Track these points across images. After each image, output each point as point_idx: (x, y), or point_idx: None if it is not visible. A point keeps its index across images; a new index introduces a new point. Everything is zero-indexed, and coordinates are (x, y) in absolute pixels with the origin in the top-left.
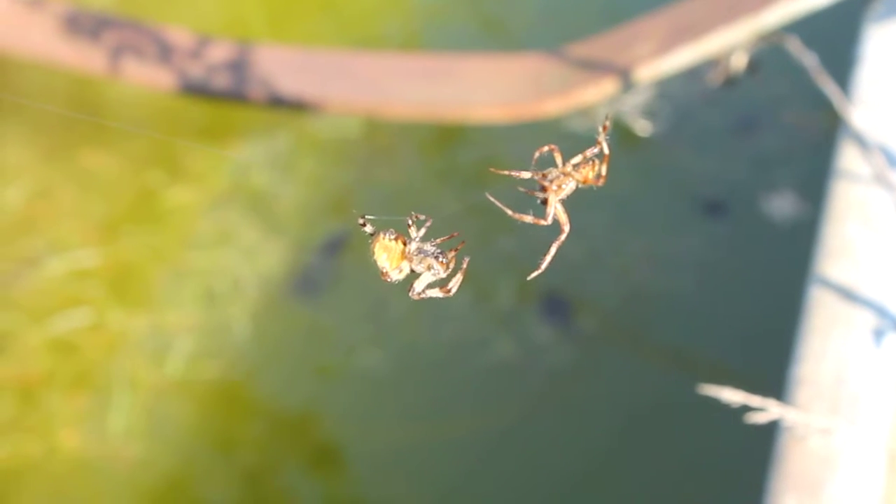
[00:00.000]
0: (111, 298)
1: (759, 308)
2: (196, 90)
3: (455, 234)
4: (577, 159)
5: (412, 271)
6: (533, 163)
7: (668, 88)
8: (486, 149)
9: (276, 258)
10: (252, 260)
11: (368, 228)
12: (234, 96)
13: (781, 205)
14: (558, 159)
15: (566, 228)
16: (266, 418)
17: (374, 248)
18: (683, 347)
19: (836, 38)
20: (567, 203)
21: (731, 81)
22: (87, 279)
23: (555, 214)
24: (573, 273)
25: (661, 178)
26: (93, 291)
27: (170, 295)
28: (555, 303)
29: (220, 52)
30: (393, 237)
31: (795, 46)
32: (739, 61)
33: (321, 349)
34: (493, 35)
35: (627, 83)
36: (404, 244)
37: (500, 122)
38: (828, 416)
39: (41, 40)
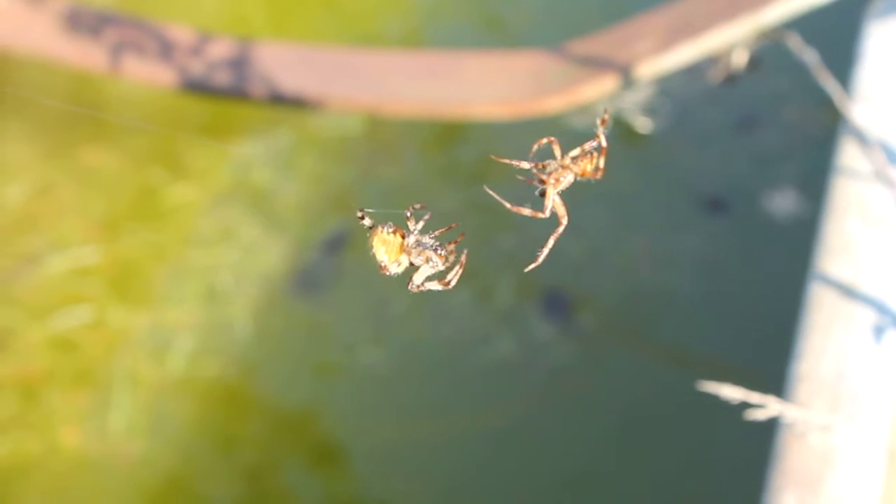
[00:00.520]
0: (112, 296)
1: (759, 305)
2: (197, 87)
3: (454, 224)
4: (575, 152)
5: (411, 264)
6: (531, 154)
7: (669, 85)
8: (487, 146)
9: (277, 256)
10: (253, 257)
11: (367, 222)
12: (236, 93)
13: (782, 202)
14: (557, 152)
15: (564, 221)
16: (267, 416)
17: (372, 241)
18: (684, 344)
19: (836, 34)
20: (567, 200)
21: (731, 78)
22: (88, 276)
23: (553, 207)
24: (574, 270)
25: (661, 176)
26: (93, 289)
27: (171, 292)
28: (555, 300)
29: (221, 50)
30: (391, 230)
31: (796, 43)
32: (740, 58)
33: (322, 347)
34: (495, 32)
35: (628, 80)
36: (403, 237)
37: (501, 119)
38: (828, 413)
39: (42, 37)
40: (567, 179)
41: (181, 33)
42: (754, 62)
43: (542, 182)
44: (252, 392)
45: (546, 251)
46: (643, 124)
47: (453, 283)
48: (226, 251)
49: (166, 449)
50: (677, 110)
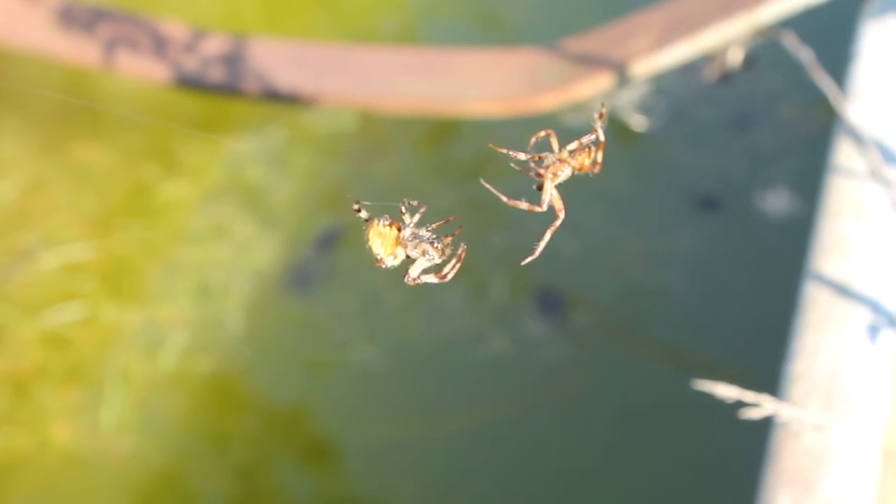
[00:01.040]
0: (104, 292)
1: (754, 304)
2: (191, 83)
3: (451, 218)
4: (573, 146)
5: (407, 257)
6: (529, 147)
7: (664, 83)
8: (482, 143)
9: (270, 253)
10: (246, 254)
11: (363, 214)
12: (229, 90)
13: (776, 200)
14: (555, 145)
15: (561, 215)
16: (259, 413)
17: (368, 234)
18: (678, 343)
19: (832, 33)
20: (561, 195)
21: (726, 77)
22: (81, 273)
23: (550, 201)
24: (568, 269)
25: (656, 174)
26: (86, 285)
27: (163, 289)
28: (549, 299)
29: (214, 46)
30: (387, 223)
31: (791, 42)
32: (735, 56)
33: (315, 344)
34: (490, 29)
35: (623, 78)
36: (399, 230)
37: (496, 116)
38: (822, 413)
39: (36, 33)
40: (565, 173)
41: (175, 29)
42: (750, 61)
43: (540, 175)
44: (244, 389)
45: (543, 244)
46: (638, 122)
47: (450, 276)
48: (218, 248)
49: (158, 445)
50: (672, 108)
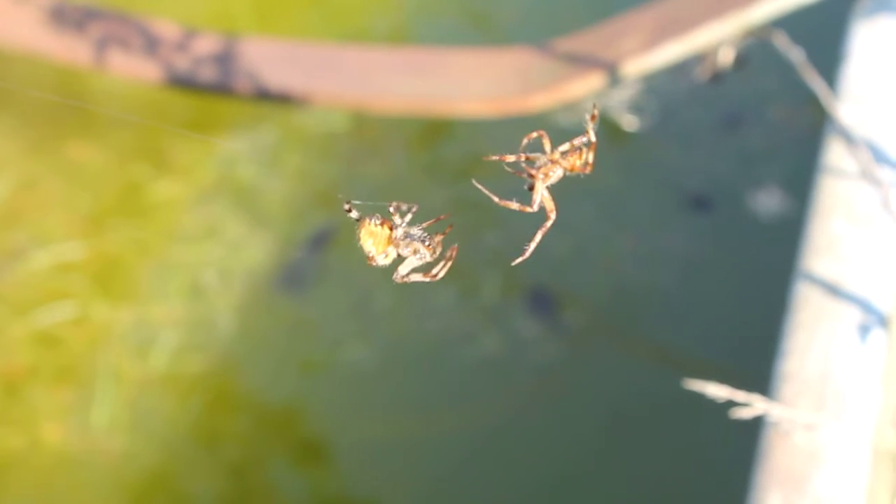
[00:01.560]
0: (96, 292)
1: (745, 303)
2: (182, 83)
3: (442, 216)
4: (564, 147)
5: (399, 256)
6: (521, 148)
7: (655, 83)
8: (473, 143)
9: (262, 252)
10: (237, 254)
11: (354, 214)
12: (221, 89)
13: (768, 200)
14: (546, 146)
15: (552, 216)
16: (251, 412)
17: (360, 233)
18: (669, 343)
19: (823, 33)
20: (553, 196)
21: (717, 77)
22: (72, 272)
23: (541, 201)
24: (559, 268)
25: (647, 174)
26: (77, 284)
27: (155, 288)
28: (541, 298)
29: (205, 45)
30: (379, 222)
31: (782, 42)
32: (726, 56)
33: (306, 343)
34: (481, 29)
35: (614, 78)
36: (391, 229)
37: (487, 116)
38: (813, 412)
39: (27, 32)
40: (556, 174)
41: (166, 28)
42: (741, 60)
43: (531, 176)
44: (236, 388)
45: (534, 245)
46: (629, 122)
47: (440, 275)
48: (210, 247)
49: (149, 445)
50: (663, 108)
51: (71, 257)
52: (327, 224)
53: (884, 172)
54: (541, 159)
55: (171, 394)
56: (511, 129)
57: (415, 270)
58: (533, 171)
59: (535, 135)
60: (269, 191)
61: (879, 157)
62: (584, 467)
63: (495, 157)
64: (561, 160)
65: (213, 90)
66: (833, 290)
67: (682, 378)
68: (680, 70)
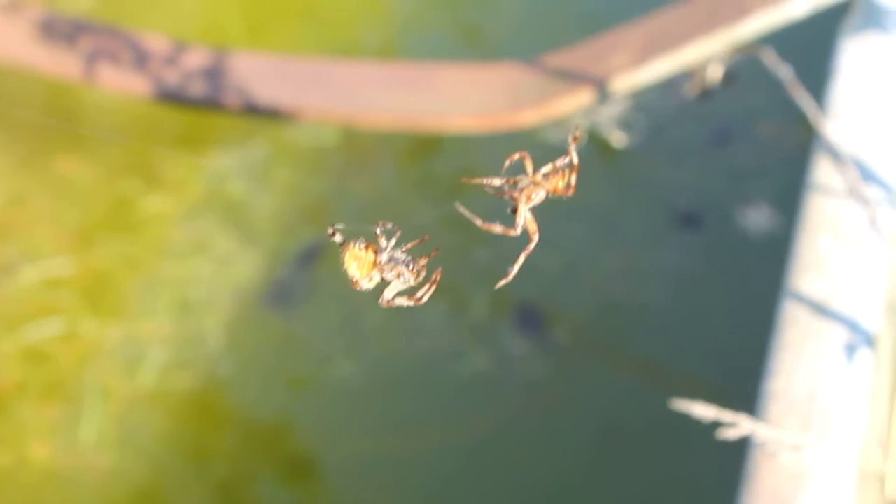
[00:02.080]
0: (85, 308)
1: (733, 321)
2: (172, 97)
3: (426, 237)
4: (547, 169)
5: (383, 279)
6: (503, 171)
7: (644, 100)
8: (463, 159)
9: (251, 268)
10: (227, 270)
11: (338, 238)
12: (210, 103)
13: (757, 218)
14: (529, 168)
15: (536, 238)
16: (239, 429)
17: (344, 257)
18: (657, 360)
19: (811, 50)
20: (542, 214)
21: (706, 93)
22: (61, 288)
23: (524, 224)
24: (548, 285)
25: (636, 190)
26: (66, 300)
27: (144, 304)
28: (529, 315)
29: (195, 59)
30: (363, 246)
31: (771, 59)
32: (715, 73)
33: (295, 360)
34: (472, 43)
35: (603, 94)
36: (375, 253)
37: (477, 132)
38: (799, 432)
39: (16, 45)
40: (539, 196)
41: (156, 42)
42: (729, 77)
43: (514, 199)
44: (225, 405)
45: (517, 267)
46: (618, 138)
47: (424, 299)
48: (199, 263)
49: (137, 461)
50: (652, 125)
51: (59, 273)
52: (317, 240)
53: (871, 190)
54: (523, 181)
55: (160, 410)
56: (501, 145)
57: (399, 294)
58: (516, 194)
59: (517, 157)
60: (259, 206)
61: (867, 174)
62: (572, 484)
63: (478, 180)
64: (543, 182)
65: (203, 104)
66: (820, 309)
67: (670, 396)
68: (669, 86)
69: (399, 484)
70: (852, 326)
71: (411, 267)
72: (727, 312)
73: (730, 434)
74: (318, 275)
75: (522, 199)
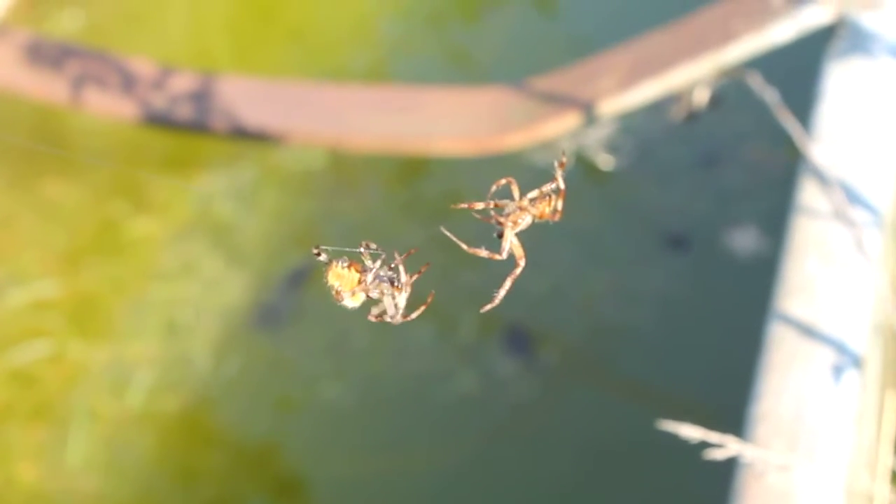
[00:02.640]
0: (72, 330)
1: (722, 343)
2: (159, 121)
3: (412, 250)
4: (533, 194)
5: (369, 298)
6: (489, 196)
7: (631, 122)
8: (450, 182)
9: (239, 290)
10: (214, 292)
11: (323, 257)
12: (197, 127)
13: (744, 240)
14: (515, 193)
15: (522, 262)
16: (227, 450)
17: (327, 276)
18: (645, 382)
19: (797, 74)
20: (530, 236)
21: (693, 116)
22: (48, 310)
23: (510, 249)
24: (536, 307)
25: (624, 212)
26: (53, 322)
27: (131, 326)
28: (518, 336)
29: (182, 83)
30: (346, 265)
31: (757, 82)
32: (701, 96)
33: (283, 381)
34: (460, 67)
35: (590, 117)
36: (359, 272)
37: (464, 155)
38: (786, 453)
39: (2, 69)
40: (525, 221)
41: (143, 66)
42: (716, 100)
43: (500, 224)
44: (212, 426)
45: (503, 292)
46: (605, 161)
47: (413, 316)
48: (187, 285)
49: (124, 483)
50: (639, 147)
51: (46, 295)
52: (304, 262)
53: (857, 213)
54: (509, 206)
55: (147, 432)
56: (488, 168)
57: (386, 311)
58: (502, 219)
59: (503, 182)
60: (246, 228)
61: (853, 197)
62: None
63: (464, 205)
64: (530, 207)
65: (190, 128)
66: (807, 331)
67: (657, 418)
68: (656, 109)
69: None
70: (839, 348)
71: (396, 284)
72: (715, 334)
73: (717, 455)
74: (305, 297)
75: (509, 224)
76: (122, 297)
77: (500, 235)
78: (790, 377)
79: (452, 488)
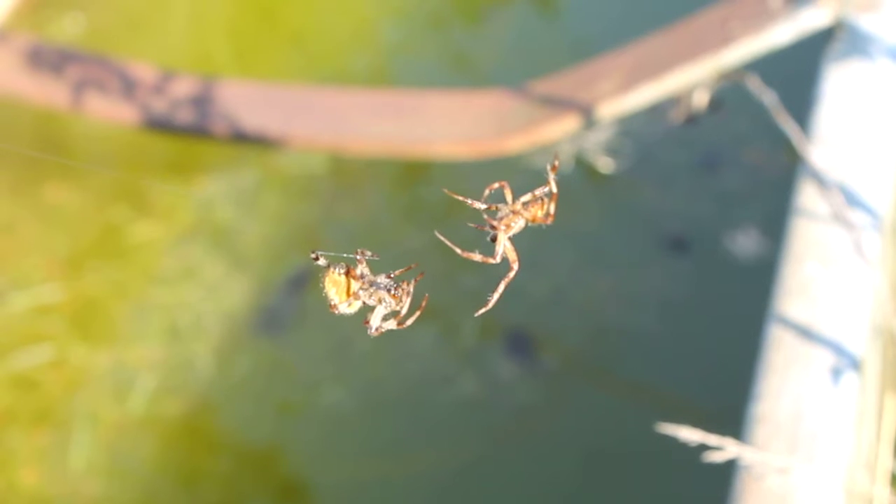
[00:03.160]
0: (74, 334)
1: (722, 345)
2: (160, 125)
3: (413, 265)
4: (526, 197)
5: (365, 304)
6: (483, 198)
7: (631, 126)
8: (451, 185)
9: (240, 294)
10: (216, 296)
11: (322, 262)
12: (199, 131)
13: (744, 242)
14: (508, 197)
15: (515, 266)
16: (229, 455)
17: (323, 282)
18: (646, 384)
19: (796, 76)
20: (530, 239)
21: (692, 119)
22: (50, 315)
23: (504, 252)
24: (537, 310)
25: (624, 215)
26: (55, 327)
27: (133, 331)
28: (519, 340)
29: (183, 87)
30: (343, 271)
31: (756, 85)
32: (701, 99)
33: (285, 385)
34: (462, 70)
35: (590, 120)
36: (355, 278)
37: (464, 158)
38: (786, 455)
39: (3, 74)
40: (518, 225)
41: (143, 71)
42: (715, 103)
43: (494, 228)
44: (214, 430)
45: (497, 295)
46: (605, 164)
47: (409, 322)
48: (189, 289)
49: (127, 487)
50: (639, 150)
51: (49, 300)
52: (305, 266)
53: (856, 215)
54: (503, 210)
55: (150, 436)
56: (488, 171)
57: (384, 319)
58: (495, 223)
59: (496, 185)
60: (248, 233)
61: (851, 199)
62: None
63: (460, 198)
64: (523, 211)
65: (191, 132)
66: (806, 333)
67: (658, 420)
68: (655, 112)
69: None
70: (838, 350)
71: (393, 292)
72: (715, 336)
73: (716, 457)
74: (306, 301)
75: (502, 227)
76: (123, 301)
77: (494, 239)
78: (789, 379)
79: (454, 491)
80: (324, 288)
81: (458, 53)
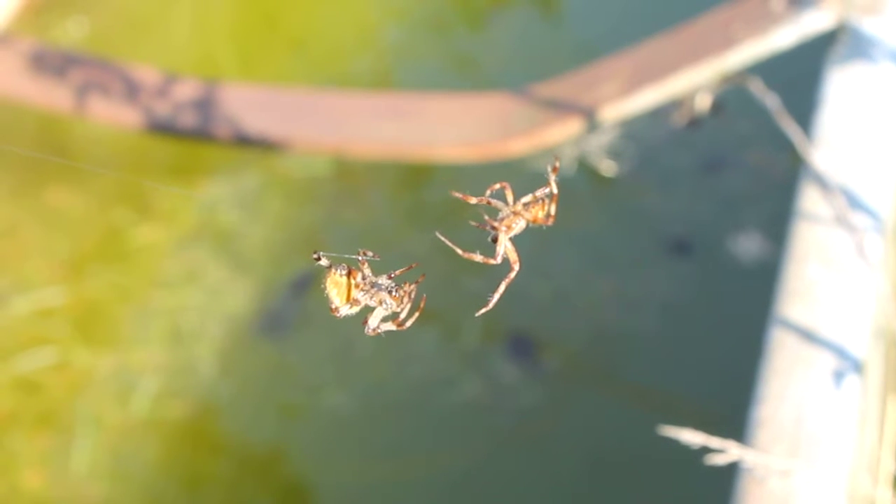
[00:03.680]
0: (76, 337)
1: (725, 347)
2: (163, 129)
3: (413, 265)
4: (527, 199)
5: (366, 306)
6: (485, 198)
7: (634, 128)
8: (453, 188)
9: (243, 297)
10: (218, 299)
11: (324, 262)
12: (201, 135)
13: (747, 245)
14: (509, 198)
15: (516, 267)
16: (232, 457)
17: (325, 283)
18: (648, 387)
19: (798, 80)
20: (532, 242)
21: (695, 122)
22: (53, 318)
23: (504, 253)
24: (539, 312)
25: (627, 218)
26: (58, 330)
27: (136, 334)
28: (521, 342)
29: (186, 91)
30: (344, 272)
31: (758, 88)
32: (703, 102)
33: (287, 388)
34: (464, 73)
35: (593, 123)
36: (356, 279)
37: (467, 161)
38: (787, 458)
39: (7, 78)
40: (519, 226)
41: (147, 74)
42: (717, 106)
43: (494, 229)
44: (217, 433)
45: (497, 296)
46: (608, 167)
47: (408, 324)
48: (191, 292)
49: (130, 490)
50: (642, 153)
51: (51, 303)
52: (308, 269)
53: (858, 218)
54: (504, 211)
55: (152, 439)
56: (491, 174)
57: (383, 320)
58: (496, 223)
59: (497, 186)
60: (251, 236)
61: (854, 202)
62: None
63: (459, 195)
64: (523, 212)
65: (194, 136)
66: (808, 336)
67: (661, 422)
68: (658, 115)
69: None
70: (840, 353)
71: (394, 293)
72: (717, 339)
73: (718, 460)
74: (309, 304)
75: (503, 228)
76: (126, 304)
77: (495, 240)
78: (791, 382)
79: (456, 494)
80: (325, 289)
81: (461, 56)
